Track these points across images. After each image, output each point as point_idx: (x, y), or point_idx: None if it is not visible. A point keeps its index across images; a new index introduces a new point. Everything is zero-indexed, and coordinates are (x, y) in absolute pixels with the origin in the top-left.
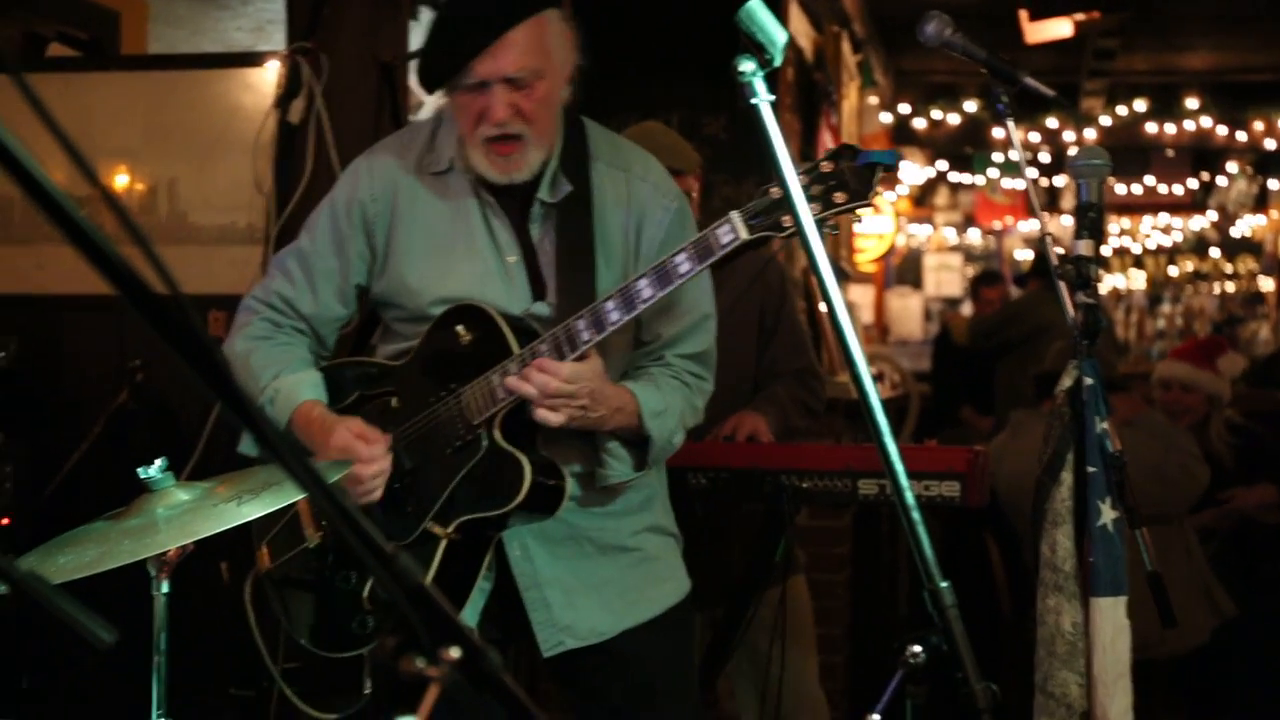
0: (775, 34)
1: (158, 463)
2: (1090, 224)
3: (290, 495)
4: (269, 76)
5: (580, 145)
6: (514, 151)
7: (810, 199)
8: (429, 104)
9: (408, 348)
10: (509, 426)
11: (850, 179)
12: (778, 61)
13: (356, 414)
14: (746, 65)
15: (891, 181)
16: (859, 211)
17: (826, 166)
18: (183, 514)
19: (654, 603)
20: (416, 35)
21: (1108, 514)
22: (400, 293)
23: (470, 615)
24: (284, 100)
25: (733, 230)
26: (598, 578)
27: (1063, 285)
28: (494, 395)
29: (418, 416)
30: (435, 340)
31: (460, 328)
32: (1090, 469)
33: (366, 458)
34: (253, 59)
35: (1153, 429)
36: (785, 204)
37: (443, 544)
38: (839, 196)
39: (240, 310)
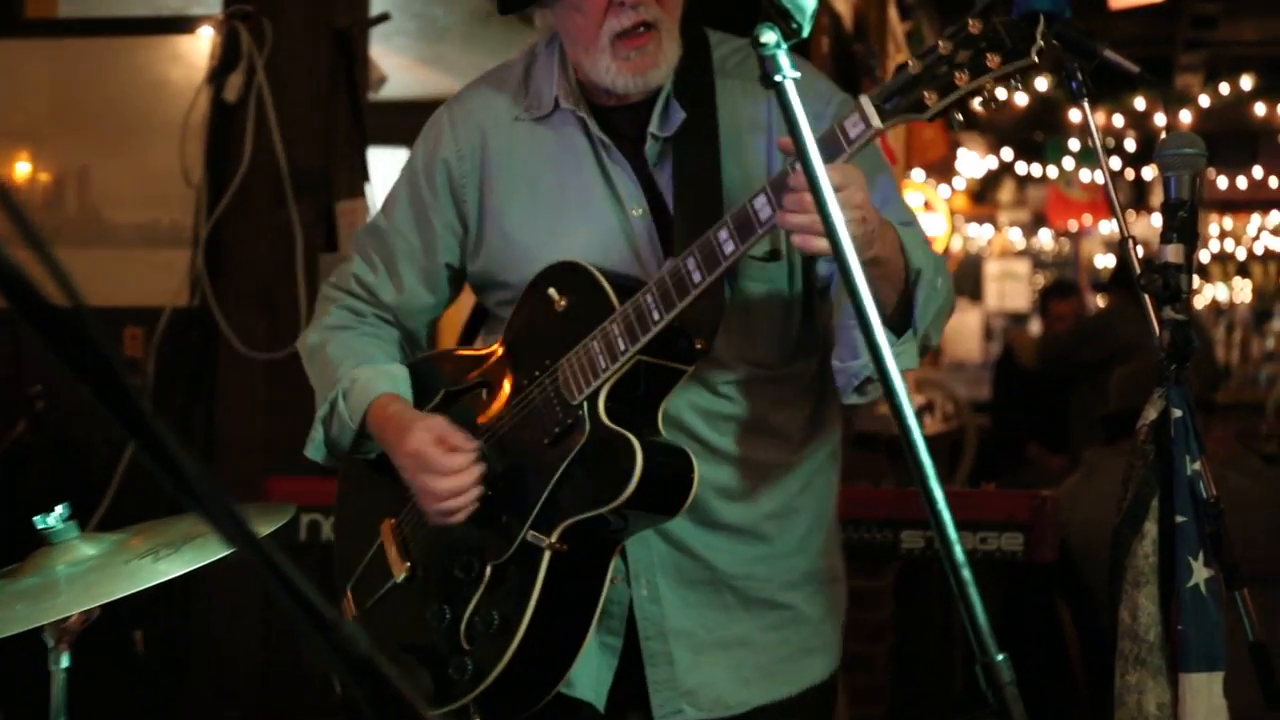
0: None
1: (59, 509)
2: (1181, 225)
3: (216, 551)
4: (201, 45)
5: (700, 59)
6: (648, 43)
7: (956, 67)
8: (394, 80)
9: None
10: (617, 405)
11: (1006, 35)
12: (806, 31)
13: (442, 412)
14: (768, 36)
15: (948, 173)
16: (1015, 81)
17: (974, 26)
18: (88, 572)
19: (796, 678)
20: None
21: (1200, 573)
22: (502, 268)
23: (587, 679)
24: (219, 74)
25: (863, 119)
26: (735, 636)
27: (1147, 298)
28: (595, 364)
29: (509, 406)
30: (524, 312)
31: (552, 290)
32: (1179, 519)
33: (445, 468)
34: (182, 24)
35: (1256, 473)
36: (927, 79)
37: (546, 557)
38: (992, 59)
39: (318, 300)
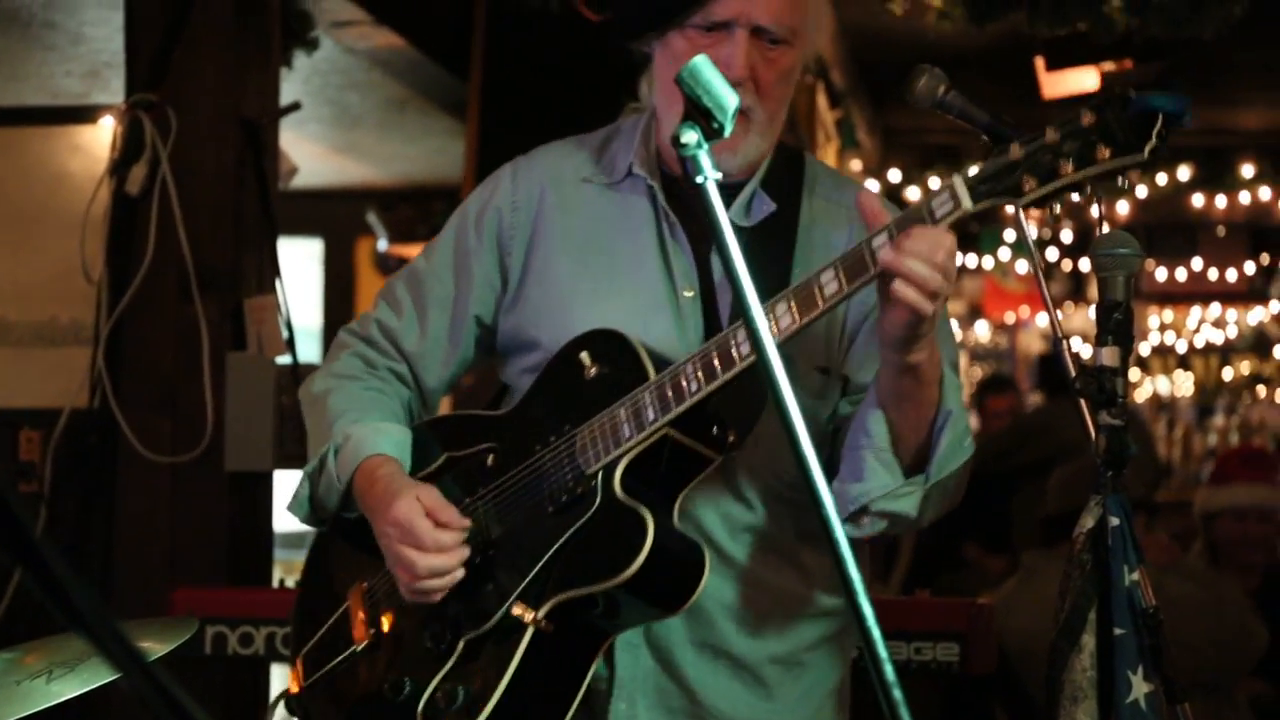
0: (725, 97)
1: None
2: (1116, 327)
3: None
4: (102, 136)
5: (794, 170)
6: (734, 125)
7: (1062, 156)
8: (306, 169)
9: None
10: (635, 481)
11: (1119, 130)
12: (728, 130)
13: (441, 480)
14: (689, 135)
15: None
16: (1124, 178)
17: (1087, 118)
18: None
19: None
20: (289, 86)
21: (1140, 687)
22: (535, 324)
23: None
24: (121, 166)
25: (952, 197)
26: None
27: (1083, 402)
28: (618, 432)
29: (516, 469)
30: (550, 376)
31: (584, 355)
32: (1118, 631)
33: (430, 545)
34: (83, 114)
35: (1197, 576)
36: (1029, 164)
37: (529, 634)
38: (1102, 152)
39: (333, 346)
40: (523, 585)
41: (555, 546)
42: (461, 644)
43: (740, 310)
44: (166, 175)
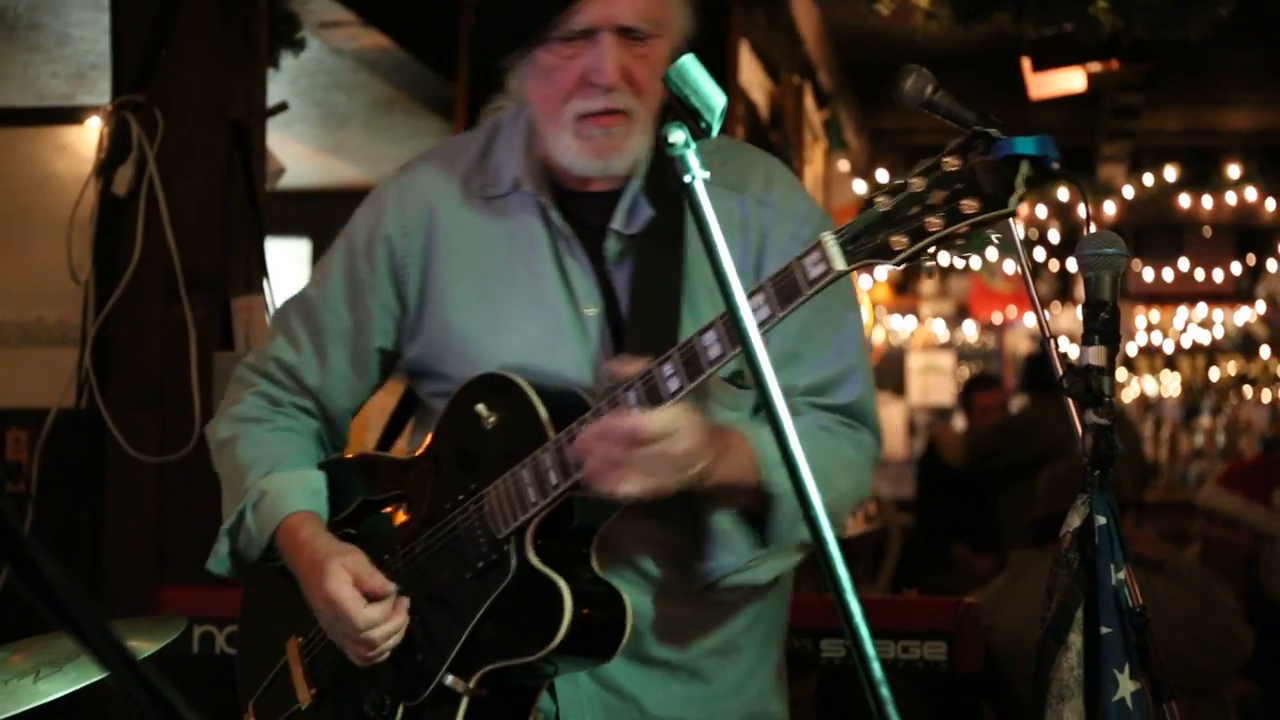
0: (712, 97)
1: None
2: (1102, 327)
3: (100, 670)
4: (89, 137)
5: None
6: (616, 125)
7: (929, 210)
8: (294, 169)
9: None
10: (548, 540)
11: (985, 179)
12: (715, 130)
13: (357, 525)
14: (677, 135)
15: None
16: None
17: (950, 163)
18: None
19: None
20: (276, 87)
21: (1127, 686)
22: (442, 358)
23: None
24: (107, 166)
25: (823, 259)
26: None
27: (1070, 402)
28: (524, 497)
29: (431, 530)
30: (451, 424)
31: (481, 407)
32: (1104, 629)
33: (364, 623)
34: (69, 115)
35: (1188, 578)
36: (897, 219)
37: (464, 704)
38: (968, 205)
39: (231, 383)
40: (452, 657)
41: (478, 615)
42: (400, 711)
43: (637, 330)
44: (153, 176)
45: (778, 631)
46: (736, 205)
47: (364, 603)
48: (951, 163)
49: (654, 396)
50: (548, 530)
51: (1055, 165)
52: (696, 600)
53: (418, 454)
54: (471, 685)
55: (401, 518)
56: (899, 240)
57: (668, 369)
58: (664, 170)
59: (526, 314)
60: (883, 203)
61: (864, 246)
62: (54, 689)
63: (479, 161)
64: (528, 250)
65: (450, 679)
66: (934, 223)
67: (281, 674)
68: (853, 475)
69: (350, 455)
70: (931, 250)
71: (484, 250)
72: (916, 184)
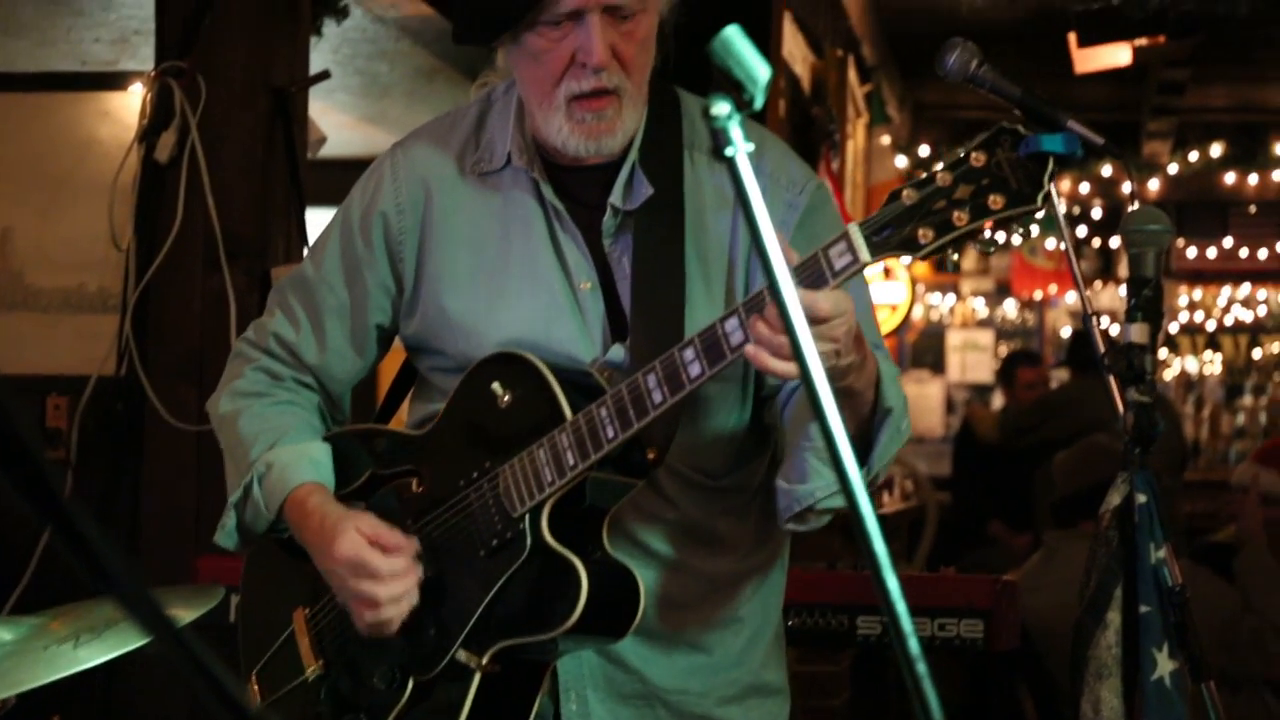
0: (756, 69)
1: None
2: (1146, 304)
3: (139, 637)
4: (132, 103)
5: (671, 127)
6: (607, 107)
7: (956, 204)
8: (335, 138)
9: (438, 410)
10: (560, 520)
11: (1011, 175)
12: (759, 103)
13: (367, 497)
14: (721, 107)
15: None
16: (1018, 225)
17: (977, 159)
18: (4, 659)
19: None
20: (318, 55)
21: (1165, 665)
22: (438, 336)
23: None
24: (150, 133)
25: (849, 250)
26: None
27: (1111, 379)
28: (540, 477)
29: (443, 506)
30: (465, 401)
31: (496, 385)
32: (1143, 608)
33: (385, 574)
34: (112, 80)
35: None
36: (923, 213)
37: (476, 679)
38: (995, 200)
39: (231, 358)
40: (466, 632)
41: (492, 592)
42: (411, 685)
43: (641, 305)
44: (195, 143)
45: (776, 601)
46: (728, 176)
47: (382, 554)
48: (979, 158)
49: (674, 382)
50: (561, 510)
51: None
52: (701, 576)
53: (429, 429)
54: (485, 661)
55: (413, 493)
56: (925, 233)
57: (689, 354)
58: (661, 144)
59: (522, 290)
60: (909, 195)
61: (890, 239)
62: (93, 655)
63: (473, 137)
64: (522, 226)
65: (463, 654)
66: (960, 217)
67: (286, 644)
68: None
69: (355, 428)
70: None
71: (479, 227)
72: (943, 178)
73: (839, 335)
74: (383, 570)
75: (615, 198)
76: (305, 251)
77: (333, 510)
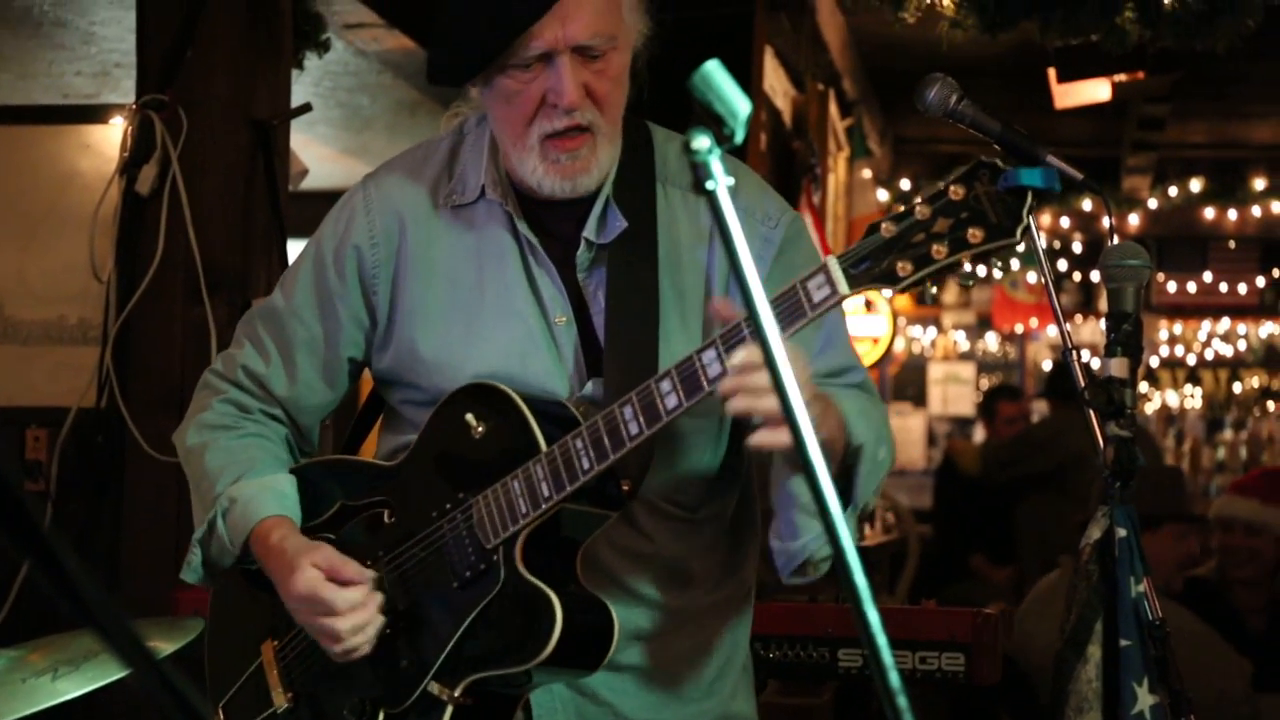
0: (736, 104)
1: None
2: (1125, 339)
3: (119, 669)
4: (113, 135)
5: (643, 161)
6: (581, 146)
7: (934, 238)
8: (316, 171)
9: (409, 441)
10: (535, 552)
11: (990, 209)
12: (739, 137)
13: (336, 529)
14: (700, 141)
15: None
16: (997, 259)
17: (956, 193)
18: None
19: None
20: (300, 88)
21: (1145, 699)
22: (412, 369)
23: None
24: (131, 165)
25: (828, 282)
26: None
27: (1091, 413)
28: (514, 508)
29: (416, 538)
30: (438, 433)
31: (470, 416)
32: (1124, 642)
33: (342, 608)
34: (94, 113)
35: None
36: (901, 246)
37: (449, 711)
38: (974, 234)
39: (198, 388)
40: (438, 664)
41: (465, 624)
42: (382, 717)
43: (606, 335)
44: (176, 175)
45: (744, 631)
46: (702, 206)
47: (338, 588)
48: (958, 191)
49: (650, 414)
50: (535, 542)
51: (1079, 177)
52: (671, 609)
53: (400, 460)
54: (457, 694)
55: (384, 524)
56: (904, 266)
57: (665, 385)
58: (634, 179)
59: (497, 324)
60: (888, 228)
61: (868, 271)
62: (71, 688)
63: (446, 169)
64: (496, 260)
65: (435, 687)
66: (939, 250)
67: (254, 676)
68: (891, 442)
69: (324, 460)
70: (933, 278)
71: (453, 260)
72: (922, 211)
73: (805, 390)
74: (338, 604)
75: (589, 231)
76: None
77: (292, 544)
